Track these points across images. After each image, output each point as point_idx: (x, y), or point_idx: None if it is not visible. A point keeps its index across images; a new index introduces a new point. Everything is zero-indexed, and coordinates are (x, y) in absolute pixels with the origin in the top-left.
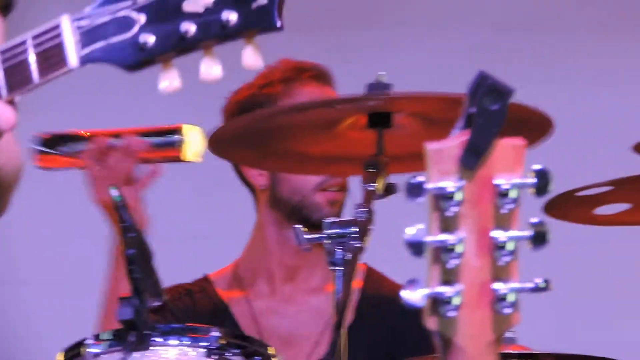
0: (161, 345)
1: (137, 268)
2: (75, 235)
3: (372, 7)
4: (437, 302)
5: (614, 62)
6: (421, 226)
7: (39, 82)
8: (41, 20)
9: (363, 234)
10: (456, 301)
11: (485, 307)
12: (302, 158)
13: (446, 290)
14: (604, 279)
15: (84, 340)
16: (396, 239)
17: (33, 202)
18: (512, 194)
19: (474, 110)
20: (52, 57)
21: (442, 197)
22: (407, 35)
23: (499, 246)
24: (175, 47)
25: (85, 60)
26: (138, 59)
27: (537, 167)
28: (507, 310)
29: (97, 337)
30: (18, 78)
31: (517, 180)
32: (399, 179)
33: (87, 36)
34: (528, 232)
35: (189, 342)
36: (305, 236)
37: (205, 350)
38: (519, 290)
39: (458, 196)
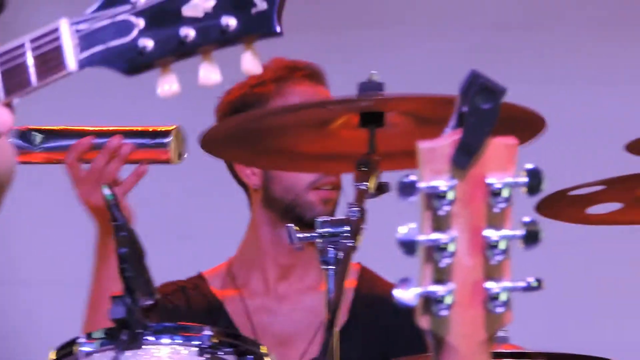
0: (153, 344)
1: (129, 267)
2: (75, 235)
3: (370, 6)
4: (430, 301)
5: (608, 62)
6: (413, 225)
7: (37, 85)
8: (34, 21)
9: (355, 233)
10: (448, 300)
11: (478, 306)
12: (294, 156)
13: (438, 289)
14: (596, 278)
15: (76, 338)
16: (389, 238)
17: (33, 202)
18: (504, 193)
19: (466, 109)
20: (50, 61)
21: (434, 196)
22: (405, 35)
23: (491, 245)
24: (174, 52)
25: (84, 64)
26: (137, 64)
27: (530, 166)
28: (500, 310)
29: (89, 336)
30: (16, 81)
31: (509, 180)
32: (392, 177)
33: (86, 40)
34: (520, 232)
35: (181, 341)
36: (298, 235)
37: (198, 349)
38: (511, 290)
39: (450, 195)
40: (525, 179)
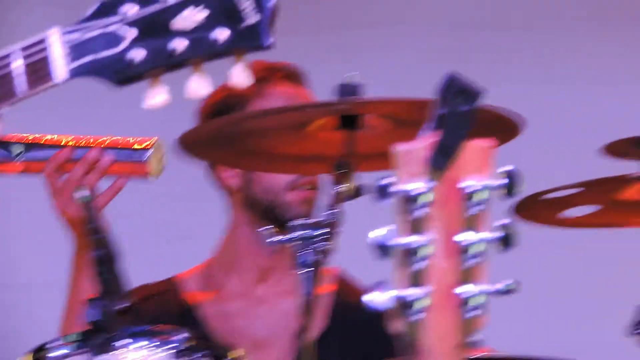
0: (128, 346)
1: (104, 269)
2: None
3: (351, 8)
4: (405, 305)
5: (587, 63)
6: (388, 228)
7: (26, 95)
8: (23, 23)
9: (332, 235)
10: (424, 303)
11: (453, 310)
12: (273, 158)
13: (414, 292)
14: (573, 281)
15: (51, 341)
16: (365, 240)
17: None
18: (481, 195)
19: (444, 112)
20: (39, 71)
21: (411, 199)
22: (384, 37)
23: (467, 248)
24: (164, 64)
25: (74, 74)
26: (126, 75)
27: (507, 168)
28: (475, 313)
29: (64, 339)
30: (4, 90)
31: (486, 182)
32: (370, 179)
33: (76, 50)
34: (497, 234)
35: (157, 344)
36: (273, 238)
37: (174, 352)
38: (487, 293)
39: (426, 198)
40: (501, 182)
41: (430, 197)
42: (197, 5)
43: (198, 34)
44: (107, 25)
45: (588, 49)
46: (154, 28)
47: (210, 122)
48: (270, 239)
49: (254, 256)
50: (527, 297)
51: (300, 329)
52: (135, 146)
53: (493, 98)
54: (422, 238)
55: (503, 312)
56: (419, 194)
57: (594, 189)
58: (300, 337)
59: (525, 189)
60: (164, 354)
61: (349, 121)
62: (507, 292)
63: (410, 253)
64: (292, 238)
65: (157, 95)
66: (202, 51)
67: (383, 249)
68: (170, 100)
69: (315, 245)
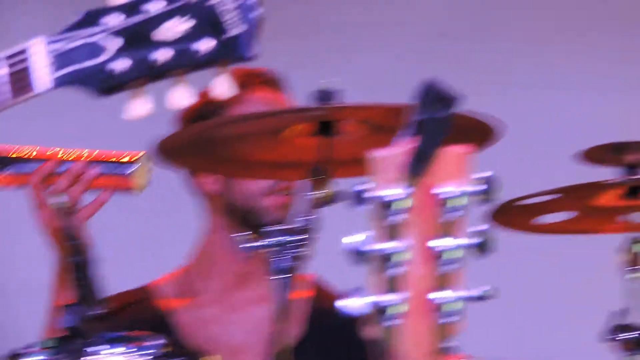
0: (104, 352)
1: (80, 276)
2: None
3: (327, 14)
4: (380, 310)
5: (561, 69)
6: (364, 234)
7: (11, 104)
8: (10, 32)
9: (308, 241)
10: (399, 309)
11: (429, 316)
12: (251, 164)
13: (389, 298)
14: (548, 287)
15: (27, 347)
16: (341, 246)
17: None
18: (457, 201)
19: (421, 118)
20: (23, 79)
21: (387, 205)
22: (361, 42)
23: (444, 254)
24: (146, 74)
25: (58, 83)
26: (109, 85)
27: (483, 174)
28: (451, 319)
29: (40, 344)
30: None
31: (463, 188)
32: (346, 185)
33: (60, 59)
34: (473, 240)
35: (133, 350)
36: (249, 244)
37: (150, 357)
38: (463, 299)
39: (403, 204)
40: (478, 188)
41: (406, 203)
42: (182, 15)
43: (183, 45)
44: (91, 35)
45: (564, 56)
46: (136, 39)
47: (188, 128)
48: (246, 245)
49: (230, 262)
50: (504, 303)
51: (276, 335)
52: (121, 159)
53: (470, 104)
54: (399, 244)
55: (479, 318)
56: (396, 200)
57: (569, 196)
58: (276, 344)
59: (502, 195)
60: (141, 359)
61: (325, 127)
62: (483, 298)
63: (386, 259)
64: (268, 244)
65: (139, 106)
66: (186, 62)
67: (358, 255)
68: (154, 111)
69: (291, 251)
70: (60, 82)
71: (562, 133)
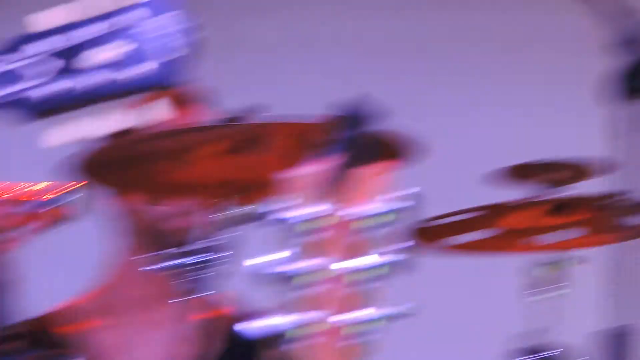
0: None
1: None
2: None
3: (256, 30)
4: (290, 331)
5: (483, 88)
6: (268, 256)
7: None
8: None
9: (223, 260)
10: (311, 329)
11: (340, 336)
12: (164, 184)
13: (301, 318)
14: (466, 306)
15: None
16: (257, 266)
17: None
18: (375, 220)
19: (343, 135)
20: None
21: (302, 224)
22: (291, 58)
23: (359, 274)
24: (66, 103)
25: None
26: (28, 113)
27: (404, 192)
28: (365, 338)
29: None
30: None
31: (381, 207)
32: (263, 204)
33: None
34: (390, 259)
35: None
36: (160, 264)
37: None
38: (378, 318)
39: (318, 223)
40: (397, 206)
41: (322, 222)
42: (120, 39)
43: (102, 74)
44: (9, 64)
45: (486, 76)
46: (56, 67)
47: (103, 146)
48: (156, 266)
49: (140, 283)
50: (419, 322)
51: (192, 355)
52: (48, 195)
53: (394, 123)
54: (309, 264)
55: (395, 337)
56: (308, 220)
57: (486, 215)
58: None
59: (422, 214)
60: None
61: (243, 144)
62: (399, 316)
63: (294, 279)
64: (172, 265)
65: (56, 134)
66: (123, 86)
67: (266, 277)
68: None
69: (195, 273)
70: None
71: (482, 152)
